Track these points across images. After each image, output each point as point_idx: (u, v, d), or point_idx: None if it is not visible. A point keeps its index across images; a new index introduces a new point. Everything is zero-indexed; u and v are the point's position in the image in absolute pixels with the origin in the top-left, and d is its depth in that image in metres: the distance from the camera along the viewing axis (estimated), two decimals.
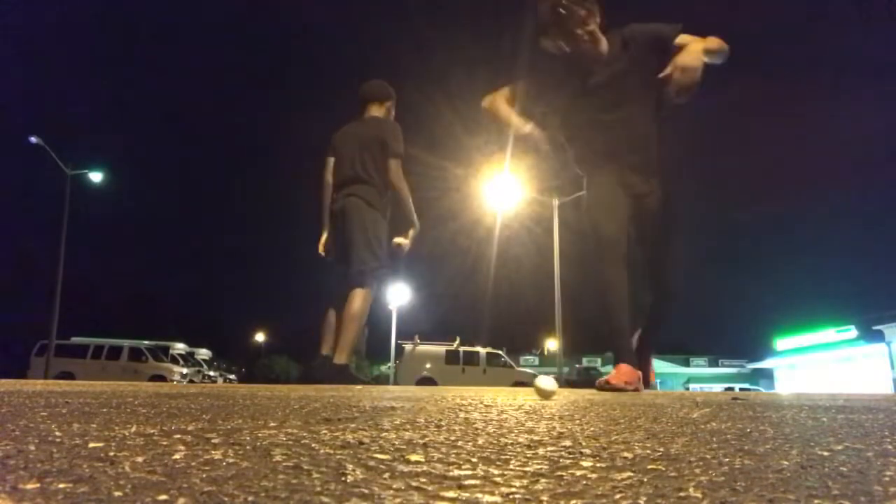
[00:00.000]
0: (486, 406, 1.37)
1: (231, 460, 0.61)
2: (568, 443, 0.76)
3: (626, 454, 0.68)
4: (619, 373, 2.54)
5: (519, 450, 0.70)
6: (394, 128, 3.96)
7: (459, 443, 0.75)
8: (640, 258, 2.88)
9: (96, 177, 20.97)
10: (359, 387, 2.95)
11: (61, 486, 0.50)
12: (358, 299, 3.75)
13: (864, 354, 28.08)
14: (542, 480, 0.54)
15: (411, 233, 4.03)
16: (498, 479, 0.54)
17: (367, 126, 3.99)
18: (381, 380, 26.47)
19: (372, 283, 3.84)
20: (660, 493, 0.50)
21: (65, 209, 19.71)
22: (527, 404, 1.48)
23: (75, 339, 21.68)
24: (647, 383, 2.80)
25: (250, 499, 0.47)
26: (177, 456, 0.63)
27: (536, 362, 44.02)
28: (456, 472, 0.57)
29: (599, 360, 43.45)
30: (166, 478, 0.53)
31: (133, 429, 0.85)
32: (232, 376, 26.73)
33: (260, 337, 51.34)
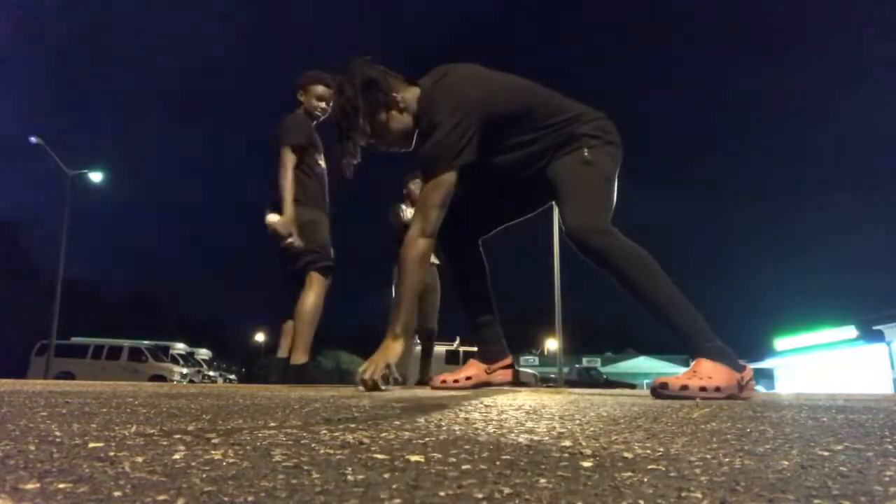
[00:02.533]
0: (486, 406, 1.37)
1: (231, 460, 0.61)
2: (568, 443, 0.76)
3: (626, 454, 0.68)
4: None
5: (519, 450, 0.70)
6: (288, 119, 3.84)
7: (459, 443, 0.75)
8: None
9: (96, 177, 20.98)
10: (359, 387, 2.95)
11: (61, 486, 0.50)
12: (309, 295, 3.73)
13: (864, 354, 28.03)
14: (542, 480, 0.54)
15: (281, 222, 3.86)
16: (498, 479, 0.54)
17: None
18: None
19: (319, 275, 3.79)
20: (660, 493, 0.50)
21: (65, 209, 19.72)
22: (527, 404, 1.47)
23: (75, 339, 21.67)
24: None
25: (250, 499, 0.47)
26: (177, 456, 0.63)
27: (536, 362, 43.95)
28: (455, 472, 0.57)
29: (599, 361, 43.46)
30: (166, 478, 0.53)
31: (133, 429, 0.85)
32: (232, 376, 26.69)
33: (260, 337, 51.27)
